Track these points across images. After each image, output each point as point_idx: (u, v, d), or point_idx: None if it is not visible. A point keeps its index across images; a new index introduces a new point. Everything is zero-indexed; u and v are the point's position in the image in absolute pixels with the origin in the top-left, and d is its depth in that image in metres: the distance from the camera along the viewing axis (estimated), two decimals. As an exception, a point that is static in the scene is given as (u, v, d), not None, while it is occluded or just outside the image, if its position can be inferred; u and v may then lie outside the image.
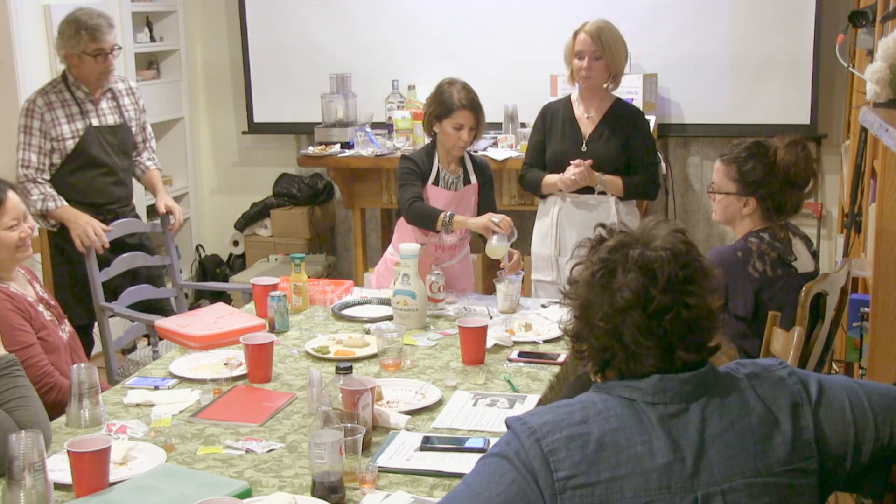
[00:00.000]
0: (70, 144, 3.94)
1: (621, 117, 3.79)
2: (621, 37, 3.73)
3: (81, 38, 3.89)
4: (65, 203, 3.90)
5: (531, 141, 3.95)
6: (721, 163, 3.08)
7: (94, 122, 4.01)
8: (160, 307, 4.10)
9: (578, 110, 3.82)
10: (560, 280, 3.83)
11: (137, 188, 4.38)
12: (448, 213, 3.48)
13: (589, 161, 3.69)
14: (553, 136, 3.83)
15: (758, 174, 2.98)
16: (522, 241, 3.52)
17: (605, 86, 3.74)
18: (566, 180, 3.71)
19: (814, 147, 5.17)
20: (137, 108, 4.19)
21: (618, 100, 3.85)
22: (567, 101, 3.87)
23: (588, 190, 3.76)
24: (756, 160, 2.99)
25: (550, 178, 3.79)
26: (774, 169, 2.97)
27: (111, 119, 4.07)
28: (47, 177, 3.92)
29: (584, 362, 1.65)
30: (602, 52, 3.67)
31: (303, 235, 5.80)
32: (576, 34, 3.72)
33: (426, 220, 3.52)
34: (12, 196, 2.80)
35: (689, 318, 1.56)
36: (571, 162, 3.70)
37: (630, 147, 3.77)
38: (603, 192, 3.76)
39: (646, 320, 1.55)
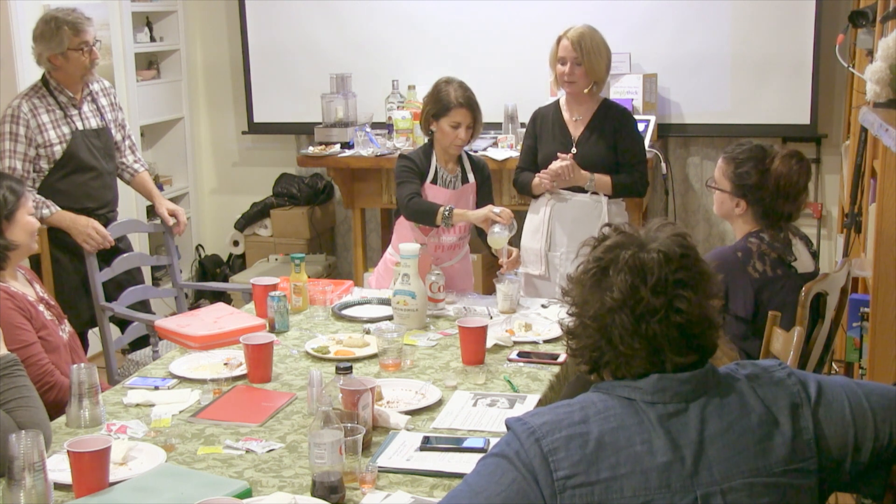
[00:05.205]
0: (58, 150, 3.91)
1: (609, 118, 3.81)
2: (604, 44, 3.75)
3: (64, 35, 3.85)
4: (58, 209, 3.88)
5: (524, 145, 4.01)
6: (722, 159, 3.10)
7: (79, 126, 3.97)
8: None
9: (567, 114, 3.85)
10: (548, 274, 3.87)
11: (123, 190, 4.35)
12: (448, 207, 3.49)
13: (570, 154, 3.71)
14: (544, 140, 3.86)
15: (751, 179, 2.99)
16: (515, 236, 3.55)
17: (585, 90, 3.75)
18: (549, 171, 3.73)
19: (813, 148, 5.19)
20: (115, 107, 4.17)
21: (605, 101, 3.88)
22: (556, 105, 3.90)
23: (579, 189, 3.78)
24: (752, 164, 3.00)
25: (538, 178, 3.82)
26: (767, 176, 2.98)
27: (94, 122, 4.04)
28: (30, 185, 3.87)
29: (578, 360, 1.65)
30: (582, 58, 3.68)
31: (303, 235, 5.80)
32: (559, 40, 3.75)
33: (426, 214, 3.53)
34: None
35: (678, 323, 1.56)
36: (559, 154, 3.72)
37: (617, 146, 3.79)
38: (595, 193, 3.78)
39: (633, 321, 1.55)
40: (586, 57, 3.69)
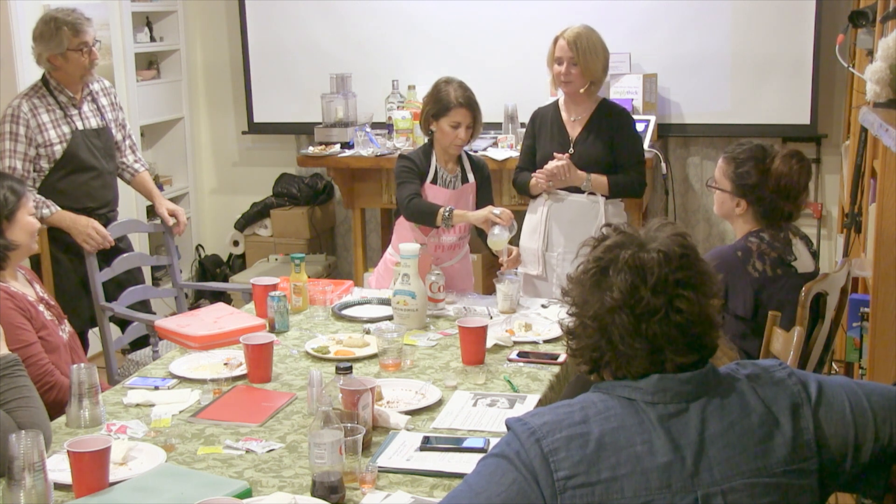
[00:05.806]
0: (58, 150, 3.91)
1: (607, 118, 3.80)
2: (601, 44, 3.74)
3: (64, 35, 3.85)
4: (58, 209, 3.88)
5: (523, 145, 4.01)
6: (722, 159, 3.11)
7: (79, 126, 3.97)
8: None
9: (565, 114, 3.84)
10: (545, 274, 3.87)
11: (123, 190, 4.35)
12: (448, 208, 3.50)
13: (567, 155, 3.70)
14: (542, 140, 3.85)
15: (751, 179, 3.00)
16: (515, 236, 3.55)
17: (581, 90, 3.74)
18: (545, 171, 3.72)
19: (814, 148, 5.19)
20: (115, 107, 4.17)
21: (604, 100, 3.87)
22: (555, 105, 3.89)
23: (576, 190, 3.78)
24: (753, 164, 3.00)
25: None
26: (767, 176, 2.98)
27: (94, 122, 4.04)
28: (30, 185, 3.86)
29: (578, 360, 1.65)
30: (578, 58, 3.68)
31: (303, 235, 5.80)
32: (556, 40, 3.75)
33: (426, 215, 3.53)
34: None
35: (678, 322, 1.56)
36: (555, 154, 3.72)
37: (615, 146, 3.78)
38: (592, 193, 3.77)
39: (634, 321, 1.55)
40: (582, 57, 3.68)
